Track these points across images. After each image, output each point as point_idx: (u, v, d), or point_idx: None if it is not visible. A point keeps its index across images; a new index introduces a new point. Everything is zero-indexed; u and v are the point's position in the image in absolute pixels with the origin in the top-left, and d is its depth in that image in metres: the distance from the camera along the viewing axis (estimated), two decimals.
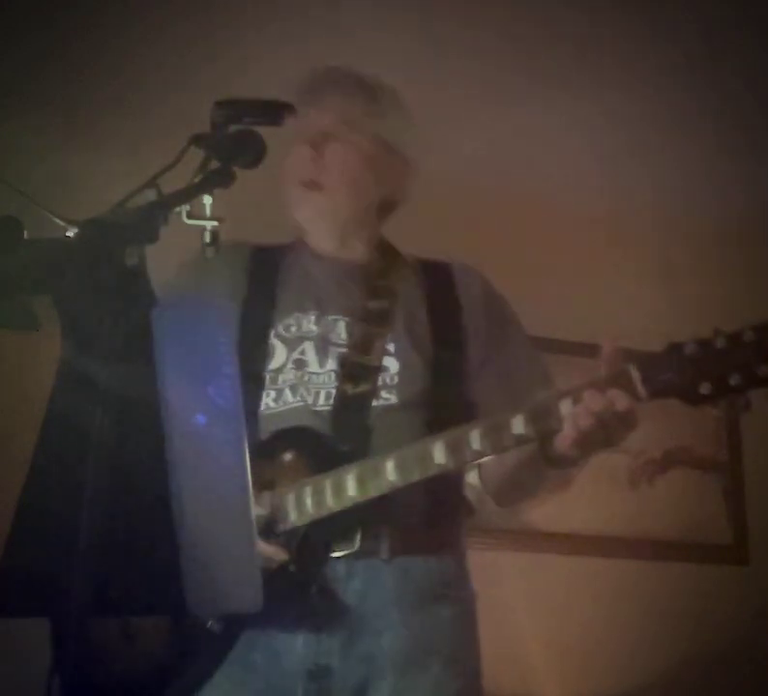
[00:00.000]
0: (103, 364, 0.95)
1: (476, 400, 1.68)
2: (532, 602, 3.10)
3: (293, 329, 1.66)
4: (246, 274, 1.71)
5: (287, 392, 1.62)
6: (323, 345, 1.64)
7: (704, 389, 1.34)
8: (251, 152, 1.28)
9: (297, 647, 1.50)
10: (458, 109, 2.98)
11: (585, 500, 3.21)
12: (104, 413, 0.94)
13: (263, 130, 1.29)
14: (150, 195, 1.09)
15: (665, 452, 3.39)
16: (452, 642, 1.58)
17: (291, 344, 1.64)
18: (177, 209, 1.11)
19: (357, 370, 1.61)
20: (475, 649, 1.64)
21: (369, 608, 1.52)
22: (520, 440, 1.44)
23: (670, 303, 3.39)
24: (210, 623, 1.48)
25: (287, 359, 1.64)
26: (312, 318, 1.66)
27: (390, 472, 1.47)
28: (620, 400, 1.38)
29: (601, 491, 3.26)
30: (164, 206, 1.08)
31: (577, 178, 3.28)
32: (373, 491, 1.48)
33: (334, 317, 1.66)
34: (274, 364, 1.64)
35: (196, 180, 1.16)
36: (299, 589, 1.49)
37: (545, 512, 3.17)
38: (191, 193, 1.13)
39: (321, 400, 1.60)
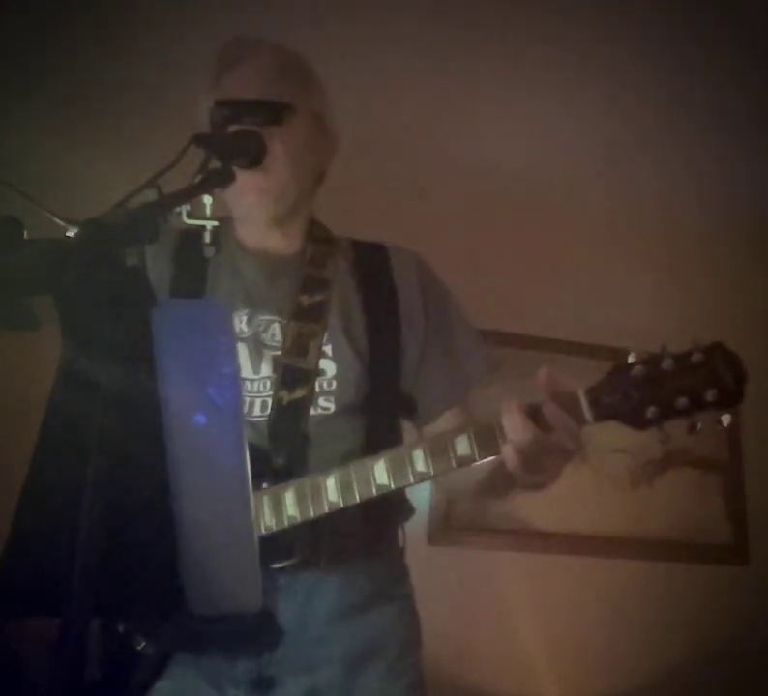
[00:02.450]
0: (103, 364, 0.95)
1: (415, 396, 1.64)
2: (532, 602, 3.10)
3: None
4: (171, 264, 1.61)
5: None
6: (256, 348, 1.57)
7: (651, 413, 1.32)
8: (251, 152, 1.28)
9: (238, 661, 1.46)
10: (456, 104, 2.99)
11: (585, 500, 3.21)
12: (104, 413, 0.94)
13: None
14: (150, 195, 1.09)
15: (665, 452, 3.39)
16: (395, 640, 1.56)
17: None
18: (177, 209, 1.11)
19: (293, 375, 1.55)
20: (418, 643, 1.60)
21: (312, 618, 1.50)
22: (464, 461, 1.40)
23: (670, 302, 3.39)
24: (142, 645, 1.43)
25: None
26: (244, 318, 1.59)
27: (331, 492, 1.43)
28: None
29: (601, 491, 3.26)
30: (164, 206, 1.08)
31: (578, 178, 3.29)
32: (314, 511, 1.43)
33: (266, 317, 1.59)
34: None
35: (196, 180, 1.16)
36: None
37: (545, 512, 3.17)
38: (191, 193, 1.13)
39: (256, 410, 1.54)
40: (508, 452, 1.35)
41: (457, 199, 3.21)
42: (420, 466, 1.41)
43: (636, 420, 1.34)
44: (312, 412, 1.54)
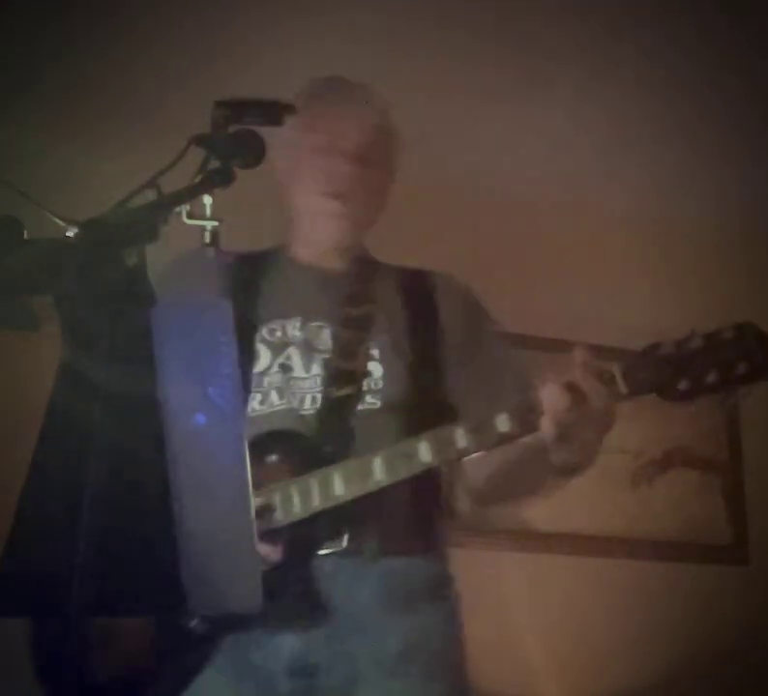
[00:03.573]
0: (103, 364, 0.95)
1: (455, 403, 1.70)
2: (532, 602, 3.10)
3: (278, 334, 1.68)
4: (228, 280, 1.73)
5: (273, 395, 1.64)
6: (308, 352, 1.67)
7: (682, 385, 1.38)
8: (252, 152, 1.28)
9: (283, 645, 1.51)
10: (450, 110, 2.99)
11: (585, 500, 3.21)
12: (104, 413, 0.94)
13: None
14: (150, 195, 1.09)
15: (665, 452, 3.39)
16: (437, 643, 1.59)
17: (276, 349, 1.67)
18: (177, 209, 1.11)
19: (342, 375, 1.64)
20: (460, 650, 1.64)
21: (355, 607, 1.53)
22: (504, 438, 1.48)
23: (669, 303, 3.39)
24: (194, 623, 1.48)
25: (272, 362, 1.66)
26: (298, 324, 1.69)
27: (377, 470, 1.51)
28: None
29: (601, 491, 3.26)
30: (164, 206, 1.08)
31: (575, 178, 3.29)
32: (360, 490, 1.50)
33: (318, 324, 1.69)
34: (259, 368, 1.66)
35: (196, 180, 1.16)
36: (284, 587, 1.50)
37: (545, 512, 3.17)
38: (191, 193, 1.13)
39: (307, 404, 1.63)
40: (545, 424, 1.42)
41: (456, 200, 3.21)
42: (461, 443, 1.49)
43: (669, 394, 1.40)
44: (359, 406, 1.63)
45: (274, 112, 1.37)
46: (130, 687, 1.50)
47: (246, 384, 1.63)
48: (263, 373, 1.65)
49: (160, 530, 0.98)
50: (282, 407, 1.63)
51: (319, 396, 1.63)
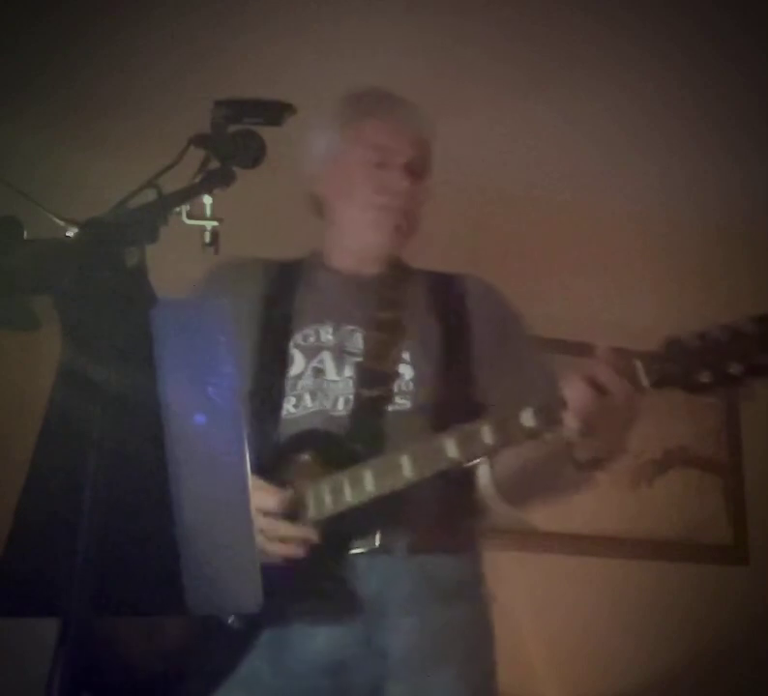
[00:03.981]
0: (103, 364, 0.95)
1: (484, 403, 1.72)
2: (532, 602, 3.10)
3: (311, 339, 1.72)
4: (265, 288, 1.78)
5: (307, 398, 1.67)
6: (340, 355, 1.70)
7: (704, 377, 1.37)
8: (252, 152, 1.28)
9: (315, 642, 1.53)
10: (449, 110, 2.98)
11: (585, 500, 3.20)
12: (104, 413, 0.94)
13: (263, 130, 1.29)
14: (150, 195, 1.09)
15: (665, 452, 3.39)
16: (467, 642, 1.60)
17: (309, 353, 1.70)
18: (177, 209, 1.11)
19: (373, 377, 1.68)
20: (490, 650, 1.65)
21: (387, 604, 1.55)
22: (530, 433, 1.49)
23: (672, 304, 3.39)
24: (231, 619, 1.51)
25: (306, 366, 1.70)
26: (330, 329, 1.72)
27: (405, 467, 1.52)
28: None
29: (601, 491, 3.25)
30: (164, 206, 1.08)
31: (579, 178, 3.28)
32: (390, 486, 1.52)
33: (350, 328, 1.72)
34: (293, 372, 1.69)
35: (196, 180, 1.16)
36: (317, 583, 1.54)
37: (545, 512, 3.17)
38: (191, 193, 1.13)
39: (339, 406, 1.65)
40: (568, 418, 1.44)
41: (456, 200, 3.21)
42: (487, 439, 1.50)
43: (691, 385, 1.40)
44: (390, 408, 1.65)
45: (274, 112, 1.37)
46: (163, 685, 1.51)
47: (281, 388, 1.67)
48: (298, 377, 1.69)
49: (160, 530, 0.98)
50: (315, 409, 1.66)
51: (351, 398, 1.66)
